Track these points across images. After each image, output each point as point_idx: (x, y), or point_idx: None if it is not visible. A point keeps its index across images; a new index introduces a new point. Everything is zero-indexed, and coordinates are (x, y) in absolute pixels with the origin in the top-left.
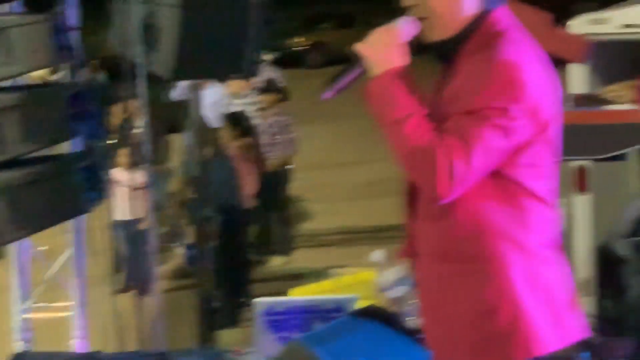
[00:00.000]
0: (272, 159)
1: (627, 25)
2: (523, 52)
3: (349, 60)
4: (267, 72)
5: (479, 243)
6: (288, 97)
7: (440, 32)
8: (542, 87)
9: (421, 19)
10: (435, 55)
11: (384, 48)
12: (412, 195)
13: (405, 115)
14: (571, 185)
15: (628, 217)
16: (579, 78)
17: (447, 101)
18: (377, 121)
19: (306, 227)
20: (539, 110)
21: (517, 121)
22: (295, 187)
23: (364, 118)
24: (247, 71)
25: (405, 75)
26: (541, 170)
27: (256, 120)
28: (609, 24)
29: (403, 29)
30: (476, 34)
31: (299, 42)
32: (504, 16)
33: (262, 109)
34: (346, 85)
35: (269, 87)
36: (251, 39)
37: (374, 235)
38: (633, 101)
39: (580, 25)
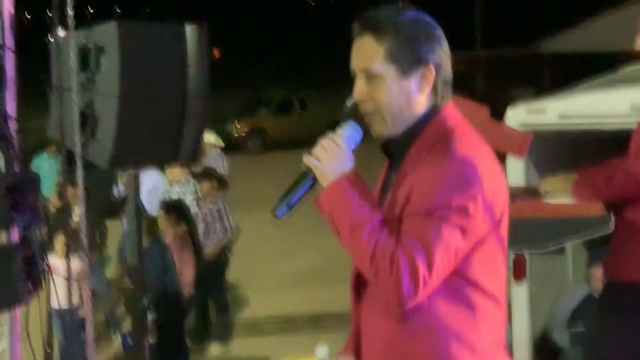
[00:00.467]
0: (210, 247)
1: (564, 116)
2: (474, 148)
3: (288, 146)
4: (214, 159)
5: (430, 343)
6: (226, 185)
7: (390, 128)
8: (494, 182)
9: (371, 114)
10: (383, 150)
11: (331, 158)
12: (359, 285)
13: (360, 223)
14: (509, 275)
15: (565, 307)
16: (516, 170)
17: (399, 200)
18: (332, 231)
19: (245, 315)
20: (493, 206)
21: (475, 219)
22: (233, 275)
23: (303, 206)
24: (186, 159)
25: (356, 180)
26: (494, 268)
27: (194, 208)
28: (546, 114)
29: (348, 136)
30: (426, 130)
31: (237, 129)
32: (452, 113)
33: (200, 197)
34: (299, 200)
35: (207, 175)
36: (190, 127)
37: (312, 323)
38: (570, 195)
39: (518, 115)
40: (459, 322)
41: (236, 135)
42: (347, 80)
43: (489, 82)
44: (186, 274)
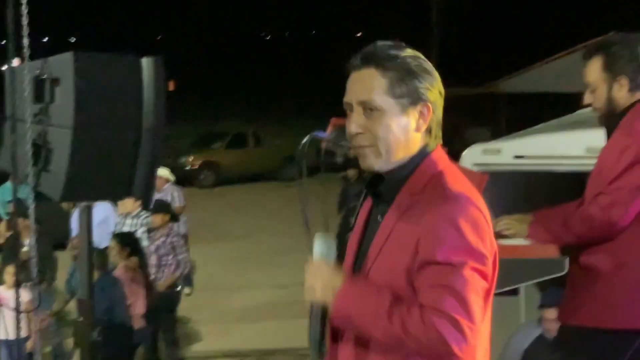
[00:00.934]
0: (161, 279)
1: (519, 156)
2: (468, 189)
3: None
4: (168, 192)
5: None
6: (178, 218)
7: (383, 162)
8: (489, 221)
9: (366, 147)
10: (368, 189)
11: (321, 283)
12: (336, 329)
13: (377, 316)
14: None
15: (517, 347)
16: None
17: (401, 249)
18: (362, 334)
19: (195, 349)
20: (493, 245)
21: (488, 259)
22: (184, 308)
23: (256, 241)
24: (139, 193)
25: (350, 286)
26: (488, 311)
27: (145, 241)
28: (501, 154)
29: (322, 253)
30: (417, 172)
31: (190, 161)
32: (441, 155)
33: (152, 230)
34: (324, 337)
35: (159, 208)
36: (145, 160)
37: (262, 358)
38: (525, 236)
39: (473, 155)
40: None
41: (188, 168)
42: (301, 115)
43: (446, 121)
44: (137, 306)
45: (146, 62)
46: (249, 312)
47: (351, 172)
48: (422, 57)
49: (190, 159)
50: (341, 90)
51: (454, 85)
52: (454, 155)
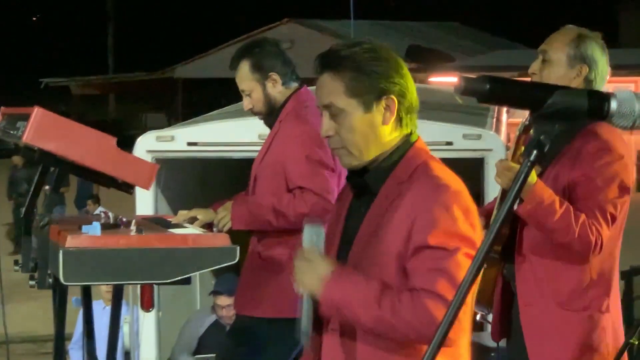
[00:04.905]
0: None
1: (192, 143)
2: (456, 178)
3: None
4: None
5: None
6: None
7: (358, 160)
8: (476, 209)
9: (339, 148)
10: (351, 181)
11: (309, 273)
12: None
13: (369, 304)
14: (137, 303)
15: (192, 334)
16: (145, 200)
17: (391, 236)
18: (351, 322)
19: None
20: (481, 232)
21: (477, 247)
22: None
23: None
24: None
25: (337, 275)
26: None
27: None
28: (175, 141)
29: (310, 241)
30: (401, 163)
31: None
32: (423, 146)
33: None
34: (310, 323)
35: None
36: None
37: None
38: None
39: (147, 142)
40: None
41: None
42: None
43: (122, 106)
44: None
45: None
46: None
47: (17, 159)
48: (382, 48)
49: None
50: (8, 76)
51: (130, 71)
52: (132, 141)
